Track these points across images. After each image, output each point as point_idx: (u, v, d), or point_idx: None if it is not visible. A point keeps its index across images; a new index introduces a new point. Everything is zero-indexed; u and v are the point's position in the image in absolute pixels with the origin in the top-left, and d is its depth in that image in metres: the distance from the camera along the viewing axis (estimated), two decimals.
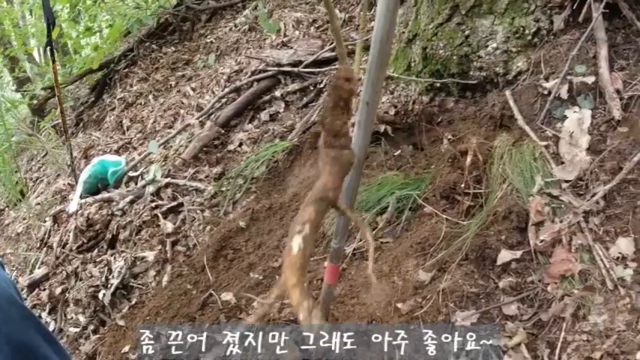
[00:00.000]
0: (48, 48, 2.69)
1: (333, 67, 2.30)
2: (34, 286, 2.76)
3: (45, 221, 3.26)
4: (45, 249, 2.93)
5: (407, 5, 2.03)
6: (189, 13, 3.88)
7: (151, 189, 2.45)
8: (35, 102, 4.36)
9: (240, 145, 2.40)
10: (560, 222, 1.29)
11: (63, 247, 2.78)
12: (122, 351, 1.97)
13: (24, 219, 3.79)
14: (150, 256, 2.24)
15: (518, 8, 1.77)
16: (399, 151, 1.89)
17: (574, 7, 1.77)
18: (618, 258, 1.27)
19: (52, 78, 4.48)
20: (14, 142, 4.69)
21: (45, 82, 4.30)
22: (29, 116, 5.15)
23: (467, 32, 1.79)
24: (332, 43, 2.48)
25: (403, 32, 2.01)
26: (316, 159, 2.13)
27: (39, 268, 2.85)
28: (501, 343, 1.18)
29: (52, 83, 4.36)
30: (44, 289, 2.69)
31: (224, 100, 2.60)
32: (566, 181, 1.41)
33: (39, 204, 3.75)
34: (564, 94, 1.61)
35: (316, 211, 0.65)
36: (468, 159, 1.52)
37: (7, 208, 4.36)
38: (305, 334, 1.43)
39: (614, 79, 1.60)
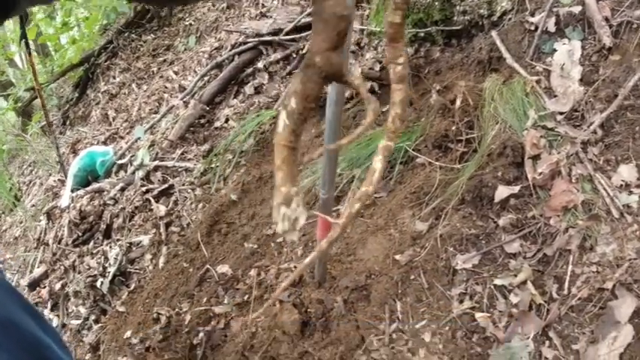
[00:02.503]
0: (22, 41, 2.59)
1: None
2: (34, 285, 2.70)
3: (40, 220, 3.20)
4: (42, 247, 2.87)
5: None
6: None
7: (140, 174, 2.38)
8: (20, 104, 4.26)
9: (227, 120, 2.32)
10: (558, 153, 1.22)
11: (59, 243, 2.72)
12: (124, 337, 1.91)
13: (20, 222, 3.72)
14: (145, 240, 2.18)
15: None
16: (387, 107, 1.80)
17: None
18: (622, 185, 1.21)
19: (33, 79, 4.38)
20: (5, 149, 4.61)
21: (27, 84, 4.20)
22: (17, 121, 5.07)
23: None
24: (310, 11, 2.38)
25: None
26: (315, 123, 2.01)
27: (38, 267, 2.80)
28: (506, 282, 1.12)
29: (34, 82, 4.26)
30: (44, 287, 2.64)
31: (207, 78, 2.51)
32: (561, 113, 1.33)
33: (34, 205, 3.68)
34: (552, 28, 1.52)
35: (302, 82, 0.54)
36: (458, 102, 1.44)
37: (2, 215, 4.29)
38: (303, 295, 1.37)
39: (601, 7, 1.52)
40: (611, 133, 1.31)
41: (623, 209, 1.16)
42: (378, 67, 1.85)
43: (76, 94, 4.00)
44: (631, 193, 1.18)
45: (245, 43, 2.41)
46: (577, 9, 1.50)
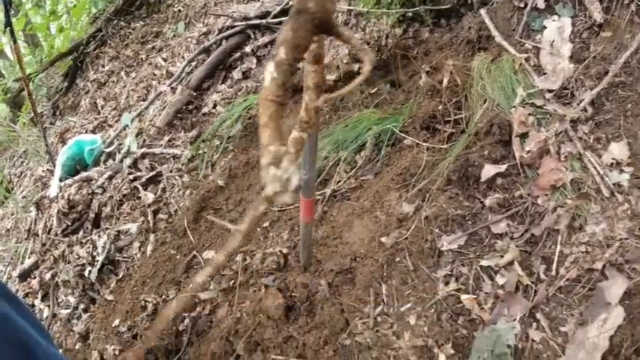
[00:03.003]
0: (8, 29, 2.53)
1: None
2: (25, 275, 2.67)
3: (30, 211, 3.15)
4: (32, 238, 2.83)
5: None
6: None
7: (127, 162, 2.33)
8: (9, 95, 4.19)
9: (215, 106, 2.27)
10: (547, 131, 1.18)
11: (48, 233, 2.68)
12: (113, 325, 1.89)
13: (12, 214, 3.67)
14: (133, 228, 2.14)
15: None
16: (376, 88, 1.76)
17: None
18: (612, 164, 1.17)
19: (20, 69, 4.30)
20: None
21: (17, 74, 4.13)
22: (7, 113, 5.00)
23: None
24: None
25: None
26: (293, 110, 1.99)
27: (28, 257, 2.76)
28: (492, 263, 1.08)
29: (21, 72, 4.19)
30: (34, 277, 2.61)
31: (194, 64, 2.45)
32: (550, 91, 1.29)
33: (24, 197, 3.63)
34: (541, 4, 1.48)
35: (292, 29, 0.50)
36: (445, 80, 1.40)
37: None
38: (288, 279, 1.34)
39: None
40: (601, 110, 1.27)
41: (613, 188, 1.12)
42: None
43: (66, 84, 3.93)
44: (622, 171, 1.15)
45: (233, 27, 2.35)
46: None
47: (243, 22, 2.32)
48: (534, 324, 0.99)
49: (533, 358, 0.94)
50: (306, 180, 1.11)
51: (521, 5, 1.51)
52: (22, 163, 4.26)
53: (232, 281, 1.51)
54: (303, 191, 1.14)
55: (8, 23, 2.57)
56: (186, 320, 1.52)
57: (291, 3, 2.30)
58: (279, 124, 0.52)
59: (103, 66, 3.63)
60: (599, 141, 1.22)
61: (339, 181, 1.49)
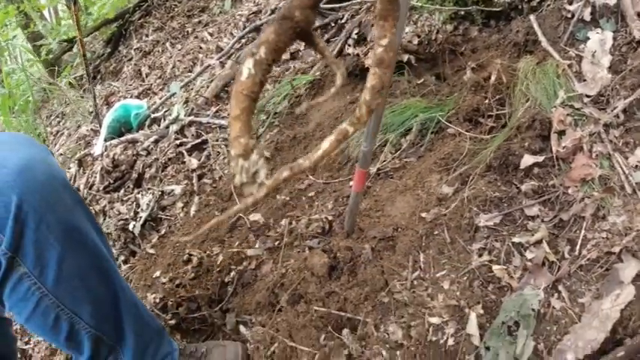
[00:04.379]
0: None
1: (353, 1, 2.32)
2: None
3: (69, 168, 3.37)
4: None
5: None
6: None
7: (174, 127, 2.53)
8: (51, 56, 4.41)
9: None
10: (582, 131, 1.35)
11: (90, 189, 2.89)
12: (153, 276, 2.09)
13: None
14: (177, 189, 2.34)
15: None
16: (422, 80, 1.93)
17: None
18: (637, 166, 1.33)
19: (67, 32, 4.52)
20: (32, 100, 4.78)
21: (62, 35, 4.34)
22: (43, 74, 5.22)
23: None
24: None
25: None
26: (340, 92, 2.17)
27: None
28: (523, 240, 1.26)
29: (68, 37, 4.40)
30: None
31: (244, 41, 2.63)
32: (588, 96, 1.46)
33: (62, 154, 3.85)
34: (587, 17, 1.63)
35: (276, 32, 0.54)
36: (492, 78, 1.57)
37: None
38: (332, 243, 1.53)
39: (635, 3, 1.62)
40: (632, 118, 1.43)
41: (635, 186, 1.29)
42: (416, 41, 1.97)
43: (108, 50, 4.14)
44: None
45: None
46: (612, 1, 1.60)
47: None
48: (556, 294, 1.16)
49: (553, 322, 1.12)
50: (365, 152, 1.29)
51: (569, 16, 1.67)
52: (59, 122, 4.48)
53: (277, 242, 1.71)
54: (360, 162, 1.32)
55: None
56: (232, 273, 1.71)
57: None
58: (250, 117, 0.55)
59: (147, 35, 3.82)
60: (627, 145, 1.39)
61: (385, 161, 1.67)
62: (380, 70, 0.57)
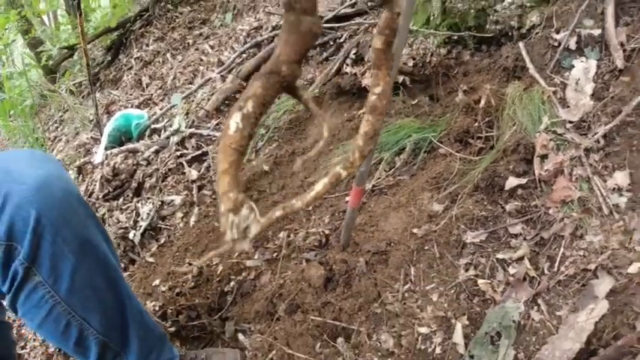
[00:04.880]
0: (75, 2, 2.83)
1: (352, 22, 2.44)
2: None
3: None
4: None
5: None
6: None
7: (175, 139, 2.63)
8: (51, 62, 4.51)
9: None
10: (563, 155, 1.47)
11: (89, 196, 2.98)
12: (153, 284, 2.17)
13: None
14: (177, 199, 2.44)
15: None
16: (417, 100, 2.05)
17: None
18: (614, 188, 1.45)
19: (68, 39, 4.62)
20: (29, 104, 4.86)
21: (62, 42, 4.44)
22: (42, 79, 5.31)
23: None
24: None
25: None
26: (337, 109, 2.29)
27: None
28: (507, 256, 1.37)
29: (69, 44, 4.50)
30: None
31: (245, 55, 2.75)
32: (570, 122, 1.58)
33: (60, 160, 3.94)
34: (573, 46, 1.76)
35: (263, 87, 0.55)
36: (482, 102, 1.69)
37: None
38: (328, 255, 1.63)
39: (618, 33, 1.75)
40: (612, 143, 1.55)
41: (612, 208, 1.41)
42: (411, 63, 2.09)
43: (108, 58, 4.24)
44: (621, 195, 1.43)
45: None
46: (597, 32, 1.73)
47: None
48: (535, 307, 1.27)
49: (533, 333, 1.23)
50: (361, 172, 1.40)
51: (555, 44, 1.79)
52: (57, 128, 4.57)
53: (276, 254, 1.81)
54: (356, 180, 1.43)
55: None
56: (232, 283, 1.81)
57: (342, 11, 2.59)
58: (238, 171, 0.54)
59: (148, 45, 3.93)
60: (606, 168, 1.51)
61: (379, 178, 1.78)
62: (373, 118, 0.61)
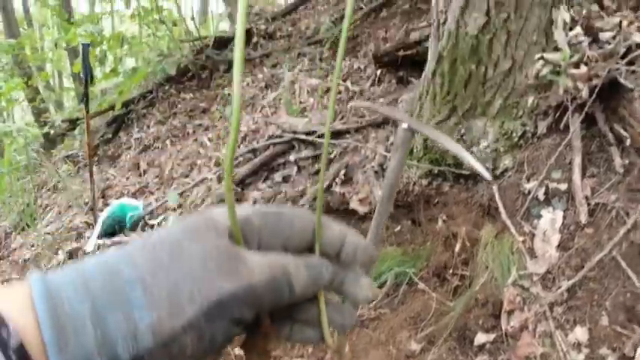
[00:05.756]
0: (84, 100, 3.04)
1: (343, 139, 2.66)
2: None
3: (57, 253, 3.55)
4: None
5: (414, 96, 2.40)
6: (208, 62, 4.27)
7: None
8: (53, 132, 4.70)
9: (254, 202, 2.73)
10: (529, 311, 1.62)
11: None
12: None
13: (32, 246, 4.05)
14: None
15: (508, 113, 2.15)
16: (400, 226, 2.22)
17: (556, 115, 2.14)
18: (574, 344, 1.60)
19: (71, 113, 4.84)
20: (23, 165, 4.99)
21: (65, 115, 4.65)
22: (41, 145, 5.48)
23: (462, 131, 2.16)
24: (343, 117, 2.85)
25: None
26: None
27: None
28: None
29: (71, 117, 4.72)
30: None
31: (241, 159, 2.94)
32: (537, 274, 1.74)
33: (49, 233, 4.03)
34: (541, 196, 1.96)
35: None
36: (458, 246, 1.86)
37: (14, 232, 4.61)
38: None
39: (584, 186, 1.96)
40: (574, 297, 1.72)
41: None
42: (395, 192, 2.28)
43: (109, 134, 4.44)
44: (580, 351, 1.58)
45: (281, 136, 2.86)
46: (564, 186, 1.94)
47: (291, 134, 2.83)
48: None
49: None
50: None
51: (526, 192, 1.99)
52: (50, 196, 4.68)
53: None
54: None
55: (86, 95, 3.09)
56: None
57: (334, 127, 2.82)
58: None
59: (149, 127, 4.14)
60: (568, 322, 1.66)
61: (362, 308, 1.92)
62: None
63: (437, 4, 2.17)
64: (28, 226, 4.36)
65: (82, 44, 2.99)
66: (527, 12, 2.04)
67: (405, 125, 1.06)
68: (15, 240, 4.43)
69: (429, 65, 2.24)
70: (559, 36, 2.04)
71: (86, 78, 2.98)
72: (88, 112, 3.08)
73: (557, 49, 2.07)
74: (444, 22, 2.12)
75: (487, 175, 1.53)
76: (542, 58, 2.00)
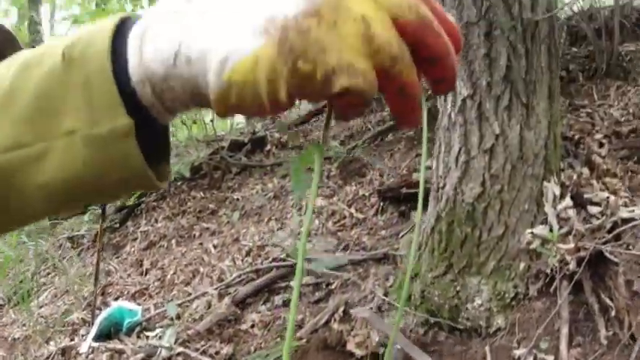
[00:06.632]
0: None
1: (344, 271, 2.78)
2: None
3: (48, 343, 3.56)
4: None
5: (411, 245, 2.54)
6: (222, 163, 4.50)
7: (164, 353, 2.81)
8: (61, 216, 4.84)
9: (252, 326, 2.80)
10: None
11: None
12: None
13: (23, 325, 4.06)
14: None
15: (502, 274, 2.27)
16: None
17: (547, 280, 2.27)
18: None
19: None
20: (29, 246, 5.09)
21: None
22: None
23: (458, 287, 2.28)
24: (345, 245, 2.99)
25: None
26: None
27: None
28: None
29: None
30: None
31: (244, 277, 3.05)
32: None
33: (42, 317, 4.05)
34: None
35: None
36: None
37: (7, 305, 4.61)
38: None
39: (569, 357, 2.04)
40: None
41: None
42: None
43: (117, 223, 4.58)
44: None
45: (285, 260, 2.98)
46: (550, 357, 2.02)
47: (295, 260, 2.95)
48: None
49: None
50: None
51: (516, 358, 2.07)
52: (48, 274, 4.74)
53: None
54: None
55: (102, 219, 3.26)
56: None
57: (340, 260, 2.95)
58: None
59: (157, 221, 4.29)
60: None
61: None
62: None
63: (437, 170, 2.37)
64: (23, 299, 4.37)
65: None
66: (520, 184, 2.24)
67: (398, 346, 1.18)
68: (7, 314, 4.43)
69: (429, 220, 2.40)
70: (549, 210, 2.21)
71: (103, 210, 3.17)
72: (99, 251, 3.21)
73: (547, 220, 2.24)
74: (443, 187, 2.31)
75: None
76: (531, 233, 2.15)
